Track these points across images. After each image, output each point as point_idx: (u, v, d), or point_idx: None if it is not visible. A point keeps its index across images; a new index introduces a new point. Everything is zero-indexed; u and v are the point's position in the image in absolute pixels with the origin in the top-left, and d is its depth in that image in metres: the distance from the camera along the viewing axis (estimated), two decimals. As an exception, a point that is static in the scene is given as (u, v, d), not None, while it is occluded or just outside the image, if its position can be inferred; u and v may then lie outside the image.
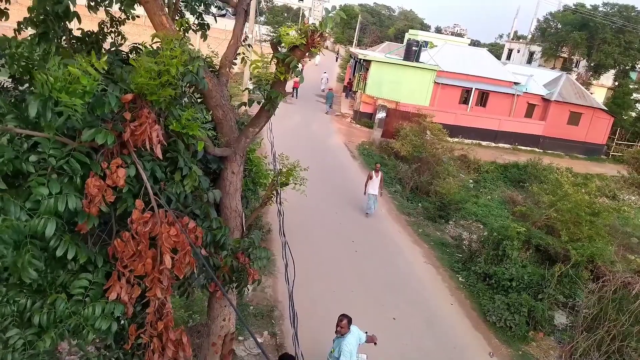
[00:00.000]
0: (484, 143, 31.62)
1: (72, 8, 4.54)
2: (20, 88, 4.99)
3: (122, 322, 4.24)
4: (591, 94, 38.81)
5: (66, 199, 3.26)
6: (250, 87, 5.77)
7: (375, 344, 7.67)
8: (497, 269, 12.52)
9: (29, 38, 4.49)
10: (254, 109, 6.01)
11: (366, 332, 7.60)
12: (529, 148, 32.95)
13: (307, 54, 5.00)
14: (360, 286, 11.79)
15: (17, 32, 4.86)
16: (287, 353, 7.61)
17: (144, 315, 4.16)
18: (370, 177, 16.22)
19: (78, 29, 5.24)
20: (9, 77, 4.90)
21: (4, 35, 4.73)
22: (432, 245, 15.21)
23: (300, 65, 5.10)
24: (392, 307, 11.13)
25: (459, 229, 17.55)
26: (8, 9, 5.32)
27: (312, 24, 4.79)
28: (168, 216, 3.96)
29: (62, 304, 3.50)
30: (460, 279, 13.26)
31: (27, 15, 4.61)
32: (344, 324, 7.15)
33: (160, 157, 3.99)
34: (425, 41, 38.15)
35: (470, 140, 30.29)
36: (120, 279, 3.82)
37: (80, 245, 3.60)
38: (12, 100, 3.57)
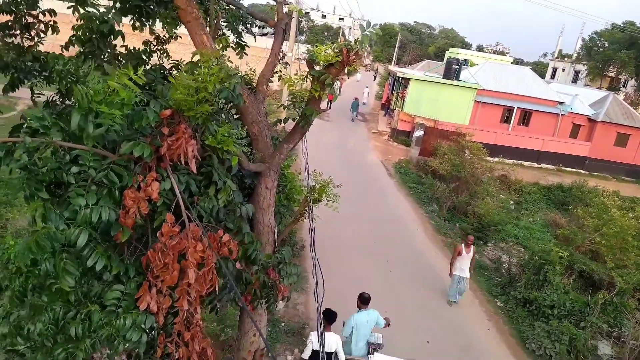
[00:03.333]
0: (526, 163, 30.75)
1: (117, 27, 4.74)
2: (67, 102, 5.24)
3: (154, 332, 4.31)
4: (640, 114, 37.26)
5: (100, 210, 3.35)
6: (286, 104, 5.83)
7: (388, 325, 8.56)
8: (538, 294, 12.05)
9: (76, 56, 4.71)
10: (292, 125, 6.08)
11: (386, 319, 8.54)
12: (573, 169, 31.81)
13: (342, 72, 5.03)
14: (394, 307, 11.53)
15: (64, 49, 5.11)
16: (329, 309, 7.70)
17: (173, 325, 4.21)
18: (459, 253, 11.95)
19: (122, 46, 5.46)
20: (56, 93, 5.16)
21: (54, 52, 4.99)
22: (469, 267, 14.78)
23: (338, 83, 5.13)
24: (427, 331, 10.86)
25: (498, 252, 17.01)
26: (57, 22, 5.61)
27: (347, 41, 4.81)
28: (196, 230, 4.01)
29: (97, 315, 3.58)
30: (498, 303, 12.82)
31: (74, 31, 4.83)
32: (359, 299, 8.41)
33: (195, 171, 4.07)
34: (465, 59, 37.72)
35: (512, 160, 29.45)
36: (151, 289, 3.89)
37: (113, 257, 3.69)
38: (59, 113, 3.74)
